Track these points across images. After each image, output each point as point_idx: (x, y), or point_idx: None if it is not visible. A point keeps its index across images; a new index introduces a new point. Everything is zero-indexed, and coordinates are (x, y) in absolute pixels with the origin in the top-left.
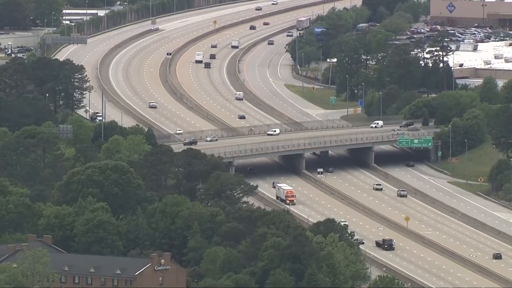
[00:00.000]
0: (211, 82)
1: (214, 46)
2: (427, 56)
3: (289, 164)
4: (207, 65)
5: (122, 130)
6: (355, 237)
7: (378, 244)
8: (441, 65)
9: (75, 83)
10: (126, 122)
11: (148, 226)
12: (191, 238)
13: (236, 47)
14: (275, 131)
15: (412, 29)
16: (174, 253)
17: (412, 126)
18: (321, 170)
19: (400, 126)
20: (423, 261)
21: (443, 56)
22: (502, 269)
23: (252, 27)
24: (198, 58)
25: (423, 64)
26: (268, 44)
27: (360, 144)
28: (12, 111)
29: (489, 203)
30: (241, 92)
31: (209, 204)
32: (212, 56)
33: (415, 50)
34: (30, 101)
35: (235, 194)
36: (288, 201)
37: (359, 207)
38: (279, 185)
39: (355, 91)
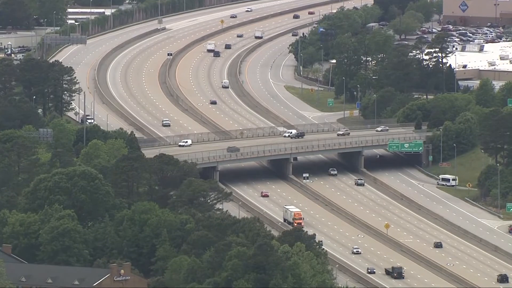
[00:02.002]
0: (209, 83)
1: (240, 36)
2: (426, 57)
3: (277, 169)
4: (216, 54)
5: (104, 134)
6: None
7: (387, 272)
8: (441, 66)
9: (64, 85)
10: (117, 124)
11: (116, 234)
12: (159, 246)
13: (260, 37)
14: (186, 141)
15: (423, 28)
16: (142, 262)
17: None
18: (307, 175)
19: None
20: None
21: (442, 57)
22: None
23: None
24: (210, 47)
25: (421, 66)
26: (293, 35)
27: (349, 148)
28: None
29: (476, 210)
30: (227, 80)
31: (179, 211)
32: (228, 46)
33: (414, 51)
34: (15, 104)
35: (208, 201)
36: (295, 224)
37: (342, 213)
38: (287, 207)
39: (355, 93)
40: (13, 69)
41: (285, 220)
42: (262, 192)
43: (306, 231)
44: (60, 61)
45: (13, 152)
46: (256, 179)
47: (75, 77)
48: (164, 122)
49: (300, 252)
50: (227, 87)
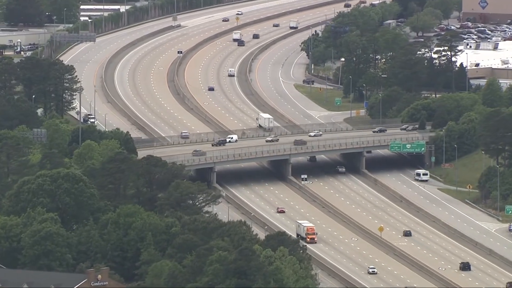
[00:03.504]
0: (218, 81)
1: (276, 26)
2: (435, 56)
3: (276, 170)
4: (241, 43)
5: (100, 134)
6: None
7: None
8: (450, 65)
9: (65, 83)
10: (120, 123)
11: (100, 237)
12: (144, 250)
13: (296, 27)
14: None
15: (442, 25)
16: (127, 266)
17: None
18: (305, 176)
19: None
20: (388, 273)
21: (451, 56)
22: (469, 283)
23: (275, 25)
24: (236, 36)
25: (430, 64)
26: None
27: (350, 149)
28: None
29: (475, 212)
30: (233, 69)
31: (165, 214)
32: (256, 36)
33: (422, 49)
34: (14, 103)
35: (197, 203)
36: (308, 239)
37: (338, 215)
38: (300, 221)
39: (363, 92)
40: (14, 67)
41: (298, 235)
42: (278, 208)
43: (290, 235)
44: (69, 59)
45: (3, 153)
46: (254, 180)
47: (76, 76)
48: (183, 134)
49: (283, 256)
50: (233, 76)
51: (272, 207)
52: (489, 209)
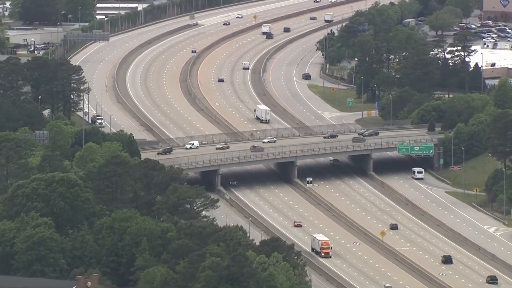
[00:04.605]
0: (231, 81)
1: (313, 18)
2: (448, 56)
3: (283, 172)
4: (269, 36)
5: (104, 136)
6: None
7: None
8: (463, 65)
9: (72, 84)
10: (128, 124)
11: (95, 242)
12: (139, 255)
13: (330, 21)
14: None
15: (462, 24)
16: (122, 271)
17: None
18: (310, 179)
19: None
20: (387, 279)
21: (464, 56)
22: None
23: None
24: (265, 29)
25: (443, 64)
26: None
27: (357, 151)
28: None
29: (481, 216)
30: (248, 62)
31: (161, 219)
32: (287, 30)
33: (435, 49)
34: (19, 104)
35: (195, 207)
36: (322, 253)
37: (342, 219)
38: (315, 235)
39: (376, 92)
40: (21, 68)
41: (313, 249)
42: (295, 222)
43: (285, 241)
44: (82, 58)
45: (1, 156)
46: (260, 183)
47: (84, 77)
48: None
49: (277, 263)
50: (247, 68)
51: (276, 210)
52: (496, 213)
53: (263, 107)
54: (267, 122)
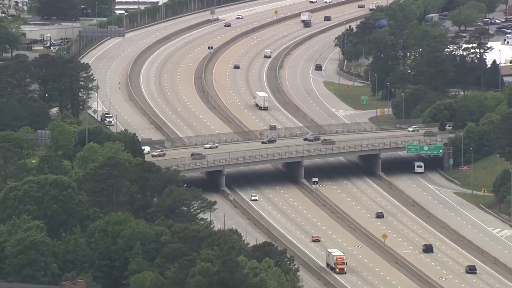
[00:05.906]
0: (246, 78)
1: (361, 6)
2: (464, 53)
3: (290, 172)
4: (307, 24)
5: (107, 136)
6: None
7: None
8: (479, 62)
9: (81, 82)
10: (138, 122)
11: (87, 246)
12: (132, 259)
13: (372, 9)
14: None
15: (486, 19)
16: (115, 275)
17: None
18: (316, 179)
19: None
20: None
21: (480, 53)
22: None
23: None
24: (304, 18)
25: (459, 62)
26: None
27: (365, 150)
28: (4, 113)
29: (488, 217)
30: (268, 50)
31: (156, 222)
32: (327, 18)
33: (450, 46)
34: (25, 103)
35: (192, 210)
36: (337, 269)
37: (346, 221)
38: (330, 250)
39: (392, 90)
40: (28, 65)
41: (328, 265)
42: (313, 237)
43: (277, 246)
44: (98, 54)
45: None
46: (266, 183)
47: (92, 74)
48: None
49: (268, 268)
50: (269, 57)
51: (280, 212)
52: (503, 215)
53: (262, 93)
54: (265, 109)
